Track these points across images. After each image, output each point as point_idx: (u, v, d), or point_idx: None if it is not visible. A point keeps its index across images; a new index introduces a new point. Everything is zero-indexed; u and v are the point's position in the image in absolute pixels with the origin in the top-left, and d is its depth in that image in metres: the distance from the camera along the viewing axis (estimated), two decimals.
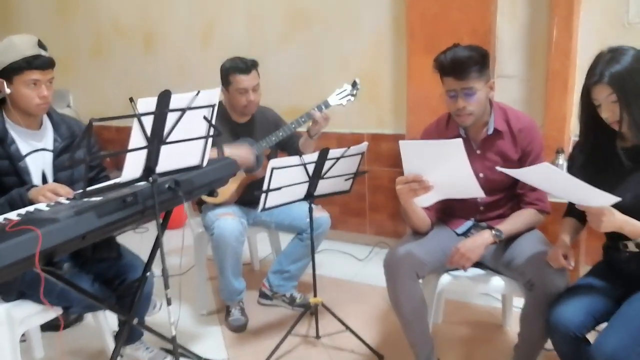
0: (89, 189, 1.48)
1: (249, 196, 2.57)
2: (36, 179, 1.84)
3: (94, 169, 2.04)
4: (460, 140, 1.54)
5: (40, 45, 1.78)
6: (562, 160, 2.50)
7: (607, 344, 1.39)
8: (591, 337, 1.54)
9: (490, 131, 1.90)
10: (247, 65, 2.44)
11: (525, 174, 1.56)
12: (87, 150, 1.70)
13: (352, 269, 3.18)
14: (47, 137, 1.91)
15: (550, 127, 2.62)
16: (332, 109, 2.48)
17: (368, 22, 3.25)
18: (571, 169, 1.67)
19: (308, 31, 3.47)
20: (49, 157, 1.89)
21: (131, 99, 1.37)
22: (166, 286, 1.64)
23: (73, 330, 2.51)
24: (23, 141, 1.83)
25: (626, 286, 1.56)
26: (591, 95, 1.50)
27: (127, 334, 1.96)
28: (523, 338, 1.82)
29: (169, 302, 1.65)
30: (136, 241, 3.65)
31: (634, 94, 1.42)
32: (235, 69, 2.43)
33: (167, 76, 4.16)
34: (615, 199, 1.37)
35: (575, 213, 1.67)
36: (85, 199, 1.58)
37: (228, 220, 2.36)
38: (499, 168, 1.61)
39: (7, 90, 1.75)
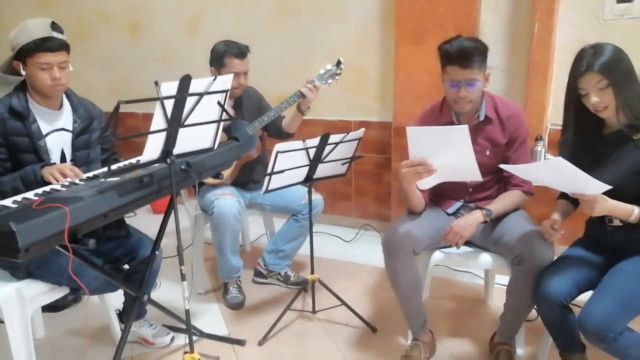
0: (112, 168, 1.54)
1: (244, 177, 2.65)
2: (55, 157, 1.89)
3: (106, 152, 2.09)
4: (466, 127, 1.66)
5: (54, 27, 1.80)
6: (541, 147, 2.66)
7: (595, 312, 1.52)
8: (573, 307, 1.70)
9: (482, 118, 2.02)
10: (242, 50, 2.50)
11: (528, 170, 1.67)
12: (102, 131, 1.72)
13: (340, 250, 3.30)
14: (67, 118, 1.96)
15: (530, 116, 2.78)
16: (321, 92, 2.53)
17: (356, 13, 3.33)
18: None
19: (296, 20, 3.52)
20: (68, 137, 1.94)
21: (156, 83, 1.43)
22: (181, 262, 1.71)
23: (72, 311, 2.55)
24: (44, 121, 1.88)
25: (610, 257, 1.72)
26: (578, 85, 1.64)
27: (137, 311, 2.02)
28: (509, 308, 1.98)
29: (183, 278, 1.73)
30: None
31: (621, 79, 1.58)
32: (231, 52, 2.49)
33: (152, 64, 4.14)
34: (607, 187, 1.51)
35: (568, 196, 1.81)
36: (103, 180, 1.64)
37: (227, 199, 2.43)
38: (503, 166, 1.72)
39: (23, 73, 1.80)
